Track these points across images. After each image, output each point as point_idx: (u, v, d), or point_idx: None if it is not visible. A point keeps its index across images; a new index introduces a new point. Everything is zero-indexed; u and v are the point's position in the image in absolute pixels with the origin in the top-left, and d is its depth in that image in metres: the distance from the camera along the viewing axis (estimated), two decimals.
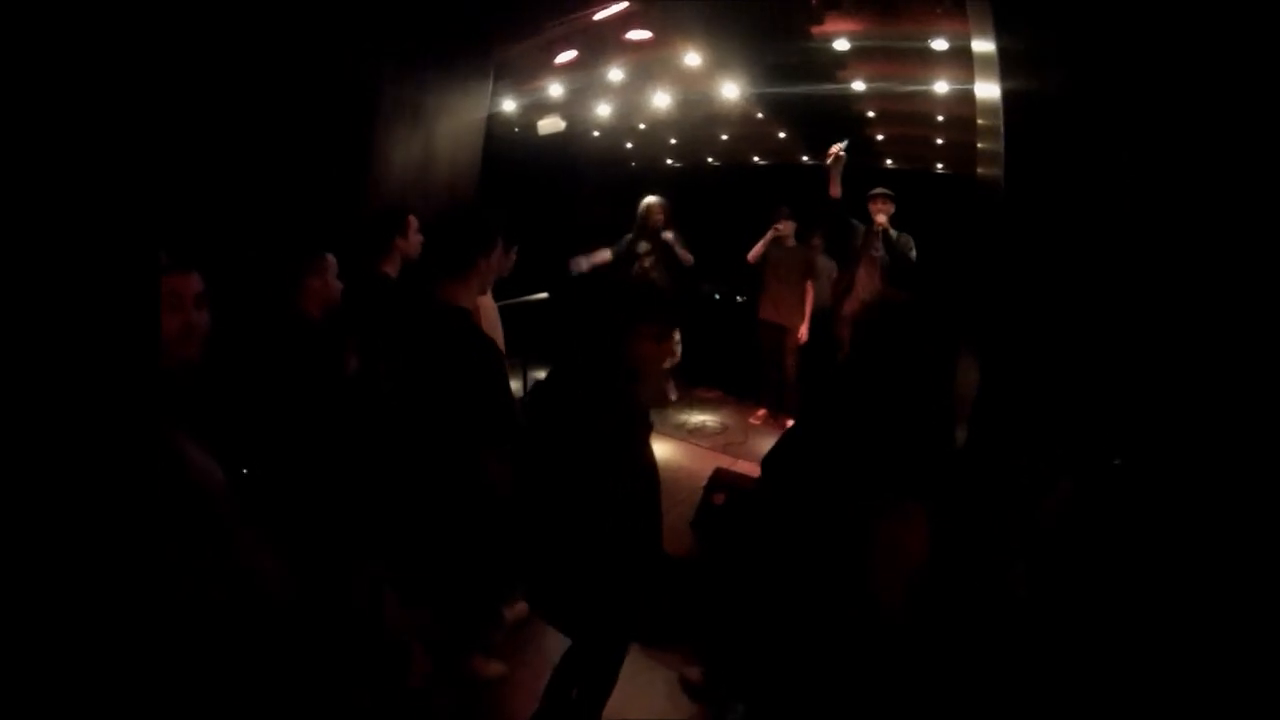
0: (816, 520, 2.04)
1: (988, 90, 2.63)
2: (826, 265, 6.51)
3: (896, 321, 2.26)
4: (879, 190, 5.64)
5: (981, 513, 2.12)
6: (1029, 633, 1.93)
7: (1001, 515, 2.10)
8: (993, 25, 2.56)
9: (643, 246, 6.01)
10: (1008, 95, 2.44)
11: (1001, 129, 2.44)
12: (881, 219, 5.54)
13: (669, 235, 5.97)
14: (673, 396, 6.59)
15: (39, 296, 1.04)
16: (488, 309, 3.44)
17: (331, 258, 2.94)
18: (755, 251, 6.39)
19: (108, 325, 1.12)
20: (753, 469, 3.93)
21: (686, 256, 6.00)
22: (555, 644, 2.92)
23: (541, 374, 3.15)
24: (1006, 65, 2.46)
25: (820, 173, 5.42)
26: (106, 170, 1.12)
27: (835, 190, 5.41)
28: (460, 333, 2.60)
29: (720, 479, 4.06)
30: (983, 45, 2.88)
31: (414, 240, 3.58)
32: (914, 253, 5.56)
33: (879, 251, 5.56)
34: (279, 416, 2.49)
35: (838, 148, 5.32)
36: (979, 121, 2.96)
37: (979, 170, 3.09)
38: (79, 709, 1.08)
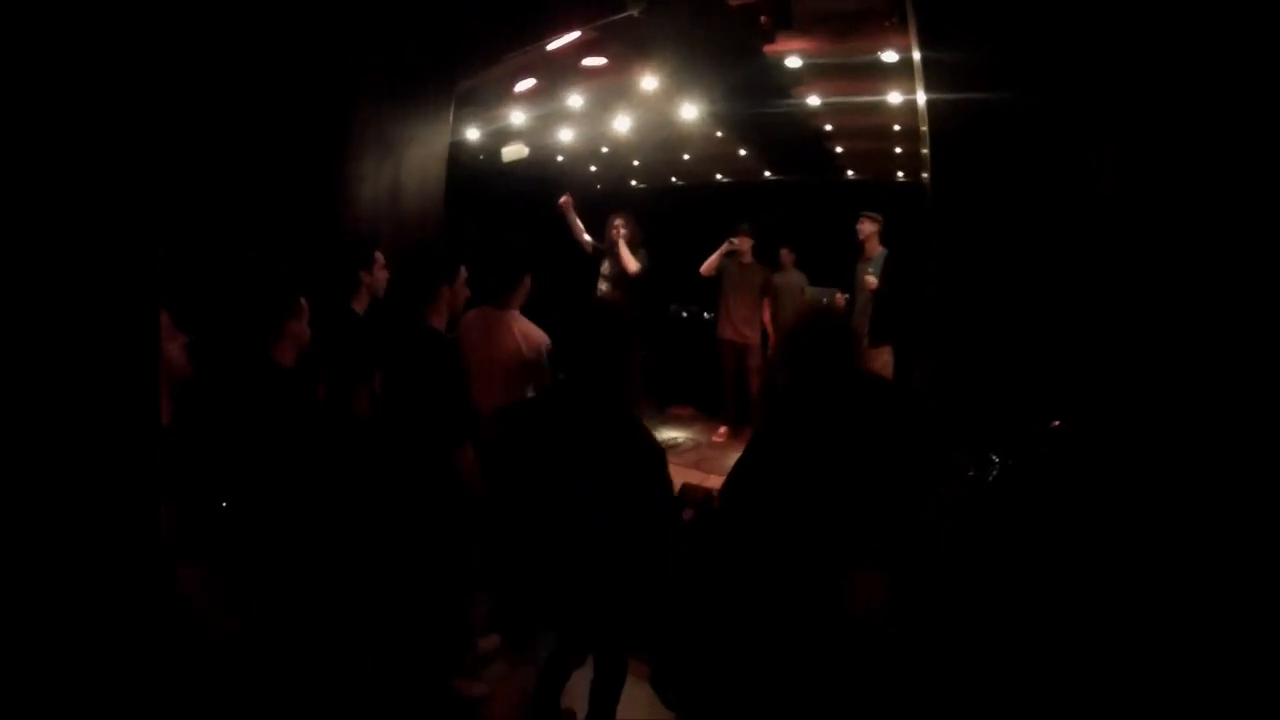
0: (788, 564, 2.10)
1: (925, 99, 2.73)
2: (796, 281, 6.57)
3: (801, 338, 2.34)
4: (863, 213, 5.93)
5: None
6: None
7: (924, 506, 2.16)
8: (916, 39, 2.67)
9: (605, 266, 6.02)
10: (931, 104, 2.54)
11: (927, 134, 2.54)
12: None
13: (618, 228, 5.84)
14: None
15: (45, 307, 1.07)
16: (522, 326, 3.56)
17: (304, 301, 2.95)
18: (708, 265, 6.43)
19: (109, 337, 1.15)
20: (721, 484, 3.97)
21: (630, 263, 5.75)
22: (530, 667, 2.98)
23: None
24: (929, 76, 2.55)
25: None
26: (109, 183, 1.14)
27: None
28: (430, 347, 3.04)
29: (688, 495, 4.07)
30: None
31: (380, 276, 3.59)
32: (870, 276, 5.73)
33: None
34: (255, 462, 2.50)
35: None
36: (922, 129, 3.04)
37: (923, 175, 3.18)
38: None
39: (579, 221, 6.02)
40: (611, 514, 2.33)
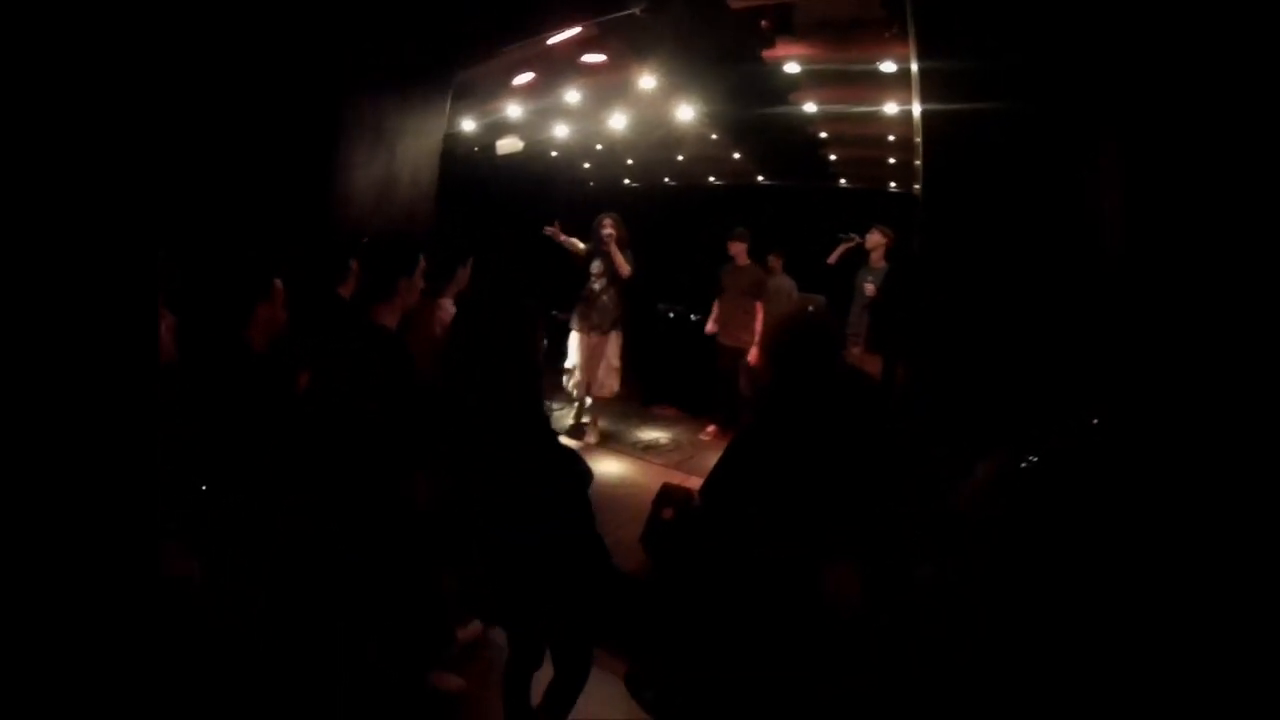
0: (761, 560, 2.10)
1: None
2: (785, 286, 6.59)
3: (784, 339, 2.36)
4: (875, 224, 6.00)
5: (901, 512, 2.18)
6: (942, 633, 1.99)
7: (913, 510, 2.17)
8: (914, 50, 2.69)
9: (595, 266, 6.02)
10: (925, 114, 2.56)
11: (920, 145, 2.57)
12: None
13: (609, 233, 5.89)
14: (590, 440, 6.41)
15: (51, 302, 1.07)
16: (445, 317, 3.47)
17: (279, 284, 2.91)
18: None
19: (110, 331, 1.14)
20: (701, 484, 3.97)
21: (624, 267, 5.89)
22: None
23: None
24: (925, 86, 2.57)
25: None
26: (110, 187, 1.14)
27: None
28: (383, 352, 2.79)
29: (668, 495, 4.07)
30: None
31: None
32: (869, 283, 5.80)
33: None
34: (229, 442, 2.48)
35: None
36: (916, 140, 3.06)
37: (915, 186, 3.20)
38: None
39: (567, 237, 6.14)
40: (517, 521, 2.31)
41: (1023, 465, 2.07)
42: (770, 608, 2.11)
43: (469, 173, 6.79)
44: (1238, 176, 2.09)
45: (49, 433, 1.09)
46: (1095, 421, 2.12)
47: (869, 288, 5.75)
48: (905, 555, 2.11)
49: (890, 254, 5.86)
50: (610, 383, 6.10)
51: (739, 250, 6.45)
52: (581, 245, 6.11)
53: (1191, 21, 2.14)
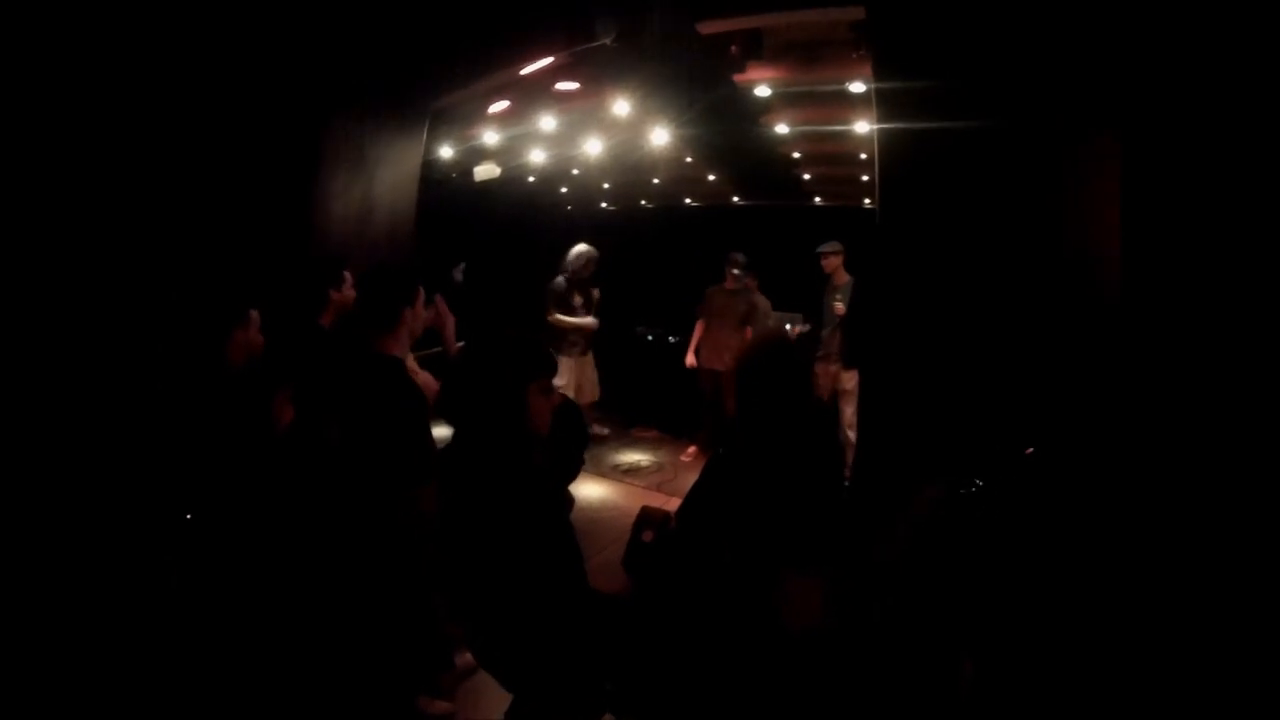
0: (729, 579, 2.12)
1: None
2: (761, 304, 6.63)
3: (752, 365, 2.38)
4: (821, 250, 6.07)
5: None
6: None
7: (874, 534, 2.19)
8: (871, 71, 2.76)
9: (578, 299, 6.11)
10: (881, 133, 2.62)
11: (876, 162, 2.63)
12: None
13: (595, 293, 6.24)
14: (603, 431, 6.97)
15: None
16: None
17: (255, 313, 2.93)
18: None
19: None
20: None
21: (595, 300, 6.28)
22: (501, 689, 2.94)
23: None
24: (881, 106, 2.63)
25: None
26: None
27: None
28: (394, 380, 2.79)
29: (647, 517, 4.08)
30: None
31: (349, 293, 3.58)
32: (838, 302, 5.86)
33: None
34: (209, 462, 2.50)
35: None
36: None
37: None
38: None
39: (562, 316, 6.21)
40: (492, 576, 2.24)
41: (959, 496, 2.11)
42: (739, 627, 2.13)
43: (447, 198, 6.82)
44: (1237, 191, 2.14)
45: (57, 452, 1.12)
46: (1030, 451, 2.16)
47: (838, 306, 5.81)
48: (866, 579, 2.13)
49: (848, 264, 6.00)
50: (595, 389, 6.42)
51: (734, 275, 6.44)
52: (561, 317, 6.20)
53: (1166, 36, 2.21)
